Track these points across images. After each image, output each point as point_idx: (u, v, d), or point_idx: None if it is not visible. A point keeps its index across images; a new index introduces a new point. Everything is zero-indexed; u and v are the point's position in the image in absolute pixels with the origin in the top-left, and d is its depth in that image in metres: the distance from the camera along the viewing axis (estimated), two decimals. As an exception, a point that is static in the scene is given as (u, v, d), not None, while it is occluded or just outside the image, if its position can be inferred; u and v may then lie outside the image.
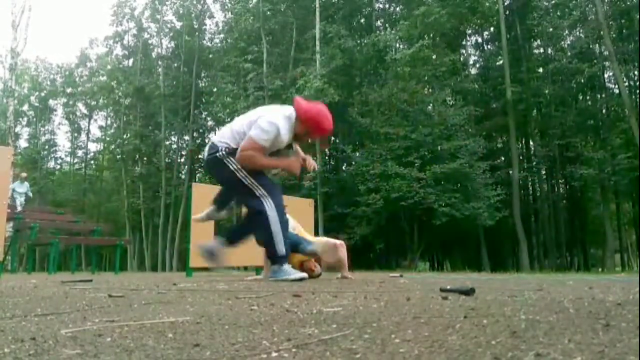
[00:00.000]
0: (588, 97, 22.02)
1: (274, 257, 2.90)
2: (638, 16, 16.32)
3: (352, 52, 21.32)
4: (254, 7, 24.35)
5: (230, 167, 2.85)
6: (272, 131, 2.79)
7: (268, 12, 24.25)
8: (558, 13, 20.31)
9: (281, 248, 2.86)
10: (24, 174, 12.12)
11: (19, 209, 10.83)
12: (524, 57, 21.29)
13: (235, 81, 23.39)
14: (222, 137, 2.99)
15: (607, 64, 18.84)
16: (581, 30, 19.51)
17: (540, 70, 21.49)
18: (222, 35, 30.23)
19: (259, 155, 2.81)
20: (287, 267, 2.91)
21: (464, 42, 25.45)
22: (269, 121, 2.82)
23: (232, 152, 2.85)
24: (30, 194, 11.75)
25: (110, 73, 32.43)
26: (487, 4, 20.78)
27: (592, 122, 20.30)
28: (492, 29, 23.85)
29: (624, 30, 19.50)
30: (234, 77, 23.78)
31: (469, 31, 24.31)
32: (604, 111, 20.94)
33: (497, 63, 22.83)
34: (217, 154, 2.87)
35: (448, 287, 1.79)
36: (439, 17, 18.22)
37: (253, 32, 24.47)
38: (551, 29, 19.03)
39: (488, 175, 17.56)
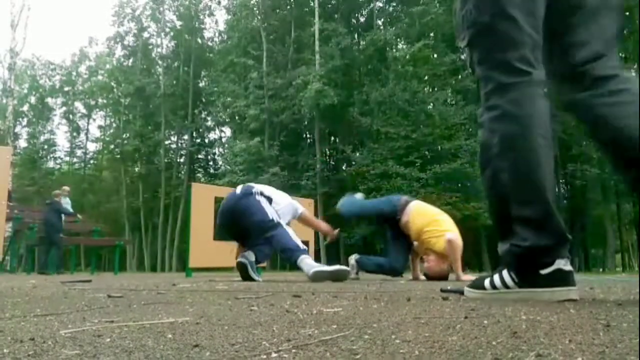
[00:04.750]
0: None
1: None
2: (638, 15, 16.32)
3: (351, 51, 21.28)
4: (254, 6, 24.33)
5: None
6: None
7: (269, 9, 24.18)
8: None
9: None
10: (66, 187, 11.29)
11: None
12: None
13: (237, 80, 23.37)
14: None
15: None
16: None
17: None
18: (223, 35, 30.17)
19: None
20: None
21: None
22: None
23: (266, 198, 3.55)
24: (71, 210, 10.37)
25: (110, 73, 32.39)
26: None
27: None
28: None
29: (624, 30, 19.45)
30: (236, 75, 23.76)
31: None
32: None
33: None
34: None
35: (448, 287, 1.79)
36: (436, 16, 18.22)
37: (253, 30, 24.45)
38: None
39: (489, 174, 17.57)
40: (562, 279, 1.21)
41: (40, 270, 8.75)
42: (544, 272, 1.22)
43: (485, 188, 1.35)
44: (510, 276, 1.30)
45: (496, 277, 1.35)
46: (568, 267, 1.23)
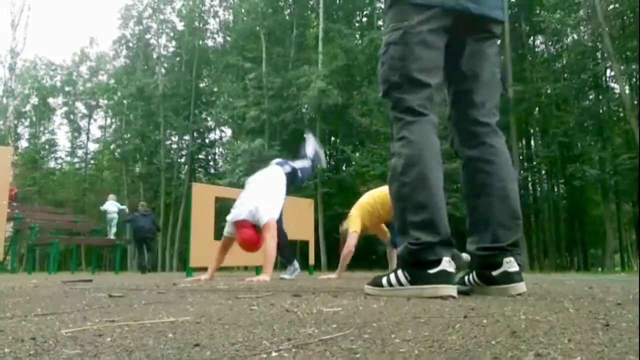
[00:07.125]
0: (591, 97, 21.87)
1: None
2: (638, 15, 16.30)
3: (353, 52, 21.27)
4: (253, 6, 24.31)
5: None
6: None
7: (269, 10, 24.14)
8: (561, 11, 20.07)
9: None
10: (113, 195, 12.20)
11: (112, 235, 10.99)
12: (527, 54, 21.17)
13: (236, 80, 23.37)
14: None
15: (608, 63, 18.75)
16: (585, 29, 19.34)
17: (539, 69, 21.41)
18: (223, 35, 30.18)
19: None
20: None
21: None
22: None
23: None
24: (122, 206, 11.98)
25: (113, 75, 32.46)
26: None
27: (593, 121, 20.23)
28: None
29: (623, 30, 19.39)
30: (235, 75, 23.75)
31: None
32: (601, 110, 20.86)
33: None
34: None
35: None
36: None
37: (252, 31, 24.45)
38: (559, 26, 18.79)
39: (488, 174, 17.54)
40: (446, 278, 1.45)
41: (142, 270, 10.23)
42: (431, 271, 1.45)
43: (392, 200, 1.61)
44: (404, 275, 1.52)
45: (392, 276, 1.56)
46: (451, 269, 1.47)
